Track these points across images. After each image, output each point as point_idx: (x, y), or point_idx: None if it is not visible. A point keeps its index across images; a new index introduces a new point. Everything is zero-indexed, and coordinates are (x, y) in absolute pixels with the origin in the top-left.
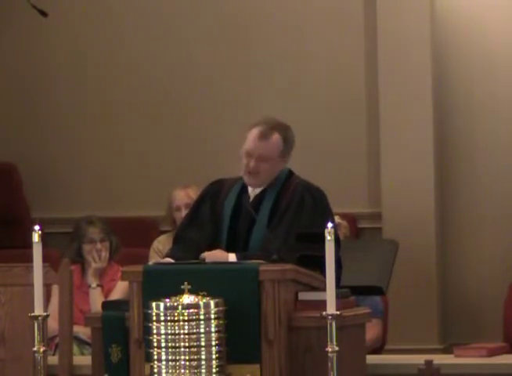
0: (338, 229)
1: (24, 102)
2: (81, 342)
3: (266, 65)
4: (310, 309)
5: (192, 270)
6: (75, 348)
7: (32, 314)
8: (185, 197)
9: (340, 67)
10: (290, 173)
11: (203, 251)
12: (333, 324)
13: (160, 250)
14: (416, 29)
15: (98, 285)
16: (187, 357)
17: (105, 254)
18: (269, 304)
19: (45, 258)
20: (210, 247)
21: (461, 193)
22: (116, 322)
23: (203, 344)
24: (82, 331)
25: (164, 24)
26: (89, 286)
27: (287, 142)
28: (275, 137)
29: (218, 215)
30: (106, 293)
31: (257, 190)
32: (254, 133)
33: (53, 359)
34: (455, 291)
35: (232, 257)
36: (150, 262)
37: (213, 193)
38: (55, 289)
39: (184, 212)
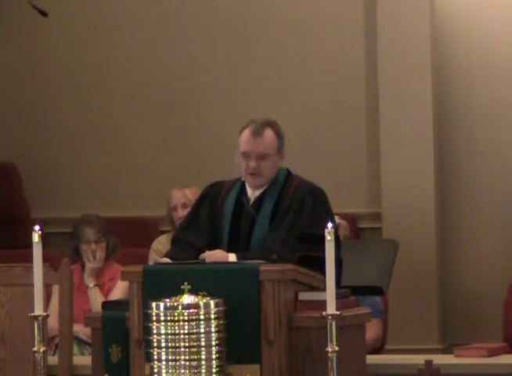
0: (338, 230)
1: (24, 102)
2: (81, 342)
3: (266, 65)
4: (310, 309)
5: (192, 270)
6: (75, 348)
7: (32, 314)
8: (181, 196)
9: (340, 67)
10: (288, 173)
11: (202, 253)
12: (333, 324)
13: (159, 250)
14: (416, 29)
15: (95, 285)
16: (187, 357)
17: (100, 254)
18: (269, 304)
19: (45, 258)
20: (209, 249)
21: (461, 193)
22: (116, 322)
23: (203, 344)
24: (82, 331)
25: (164, 25)
26: (87, 286)
27: (280, 136)
28: (269, 132)
29: (218, 216)
30: (107, 292)
31: (257, 192)
32: (246, 133)
33: (53, 359)
34: (455, 291)
35: (232, 257)
36: (150, 262)
37: (211, 195)
38: (55, 289)
39: (180, 212)
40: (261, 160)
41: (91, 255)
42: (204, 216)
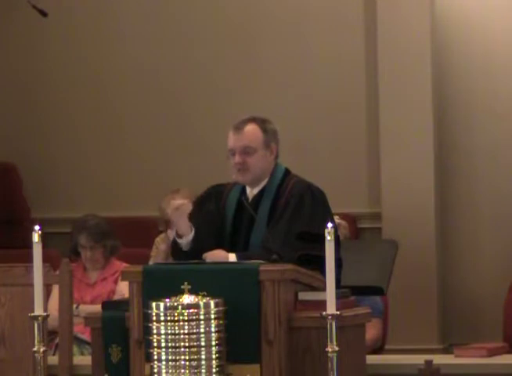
0: (338, 230)
1: (24, 101)
2: (81, 342)
3: (266, 65)
4: (310, 309)
5: (192, 270)
6: (75, 349)
7: (32, 314)
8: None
9: (340, 67)
10: (287, 172)
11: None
12: (333, 324)
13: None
14: (416, 29)
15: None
16: (187, 357)
17: (95, 262)
18: (269, 304)
19: (45, 258)
20: (215, 242)
21: (461, 193)
22: (116, 322)
23: (203, 344)
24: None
25: (164, 25)
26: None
27: (267, 131)
28: (251, 126)
29: (221, 215)
30: (112, 284)
31: (255, 190)
32: (230, 131)
33: (53, 359)
34: (455, 291)
35: (232, 257)
36: (152, 258)
37: (216, 194)
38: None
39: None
40: (245, 155)
41: (88, 262)
42: (212, 209)
